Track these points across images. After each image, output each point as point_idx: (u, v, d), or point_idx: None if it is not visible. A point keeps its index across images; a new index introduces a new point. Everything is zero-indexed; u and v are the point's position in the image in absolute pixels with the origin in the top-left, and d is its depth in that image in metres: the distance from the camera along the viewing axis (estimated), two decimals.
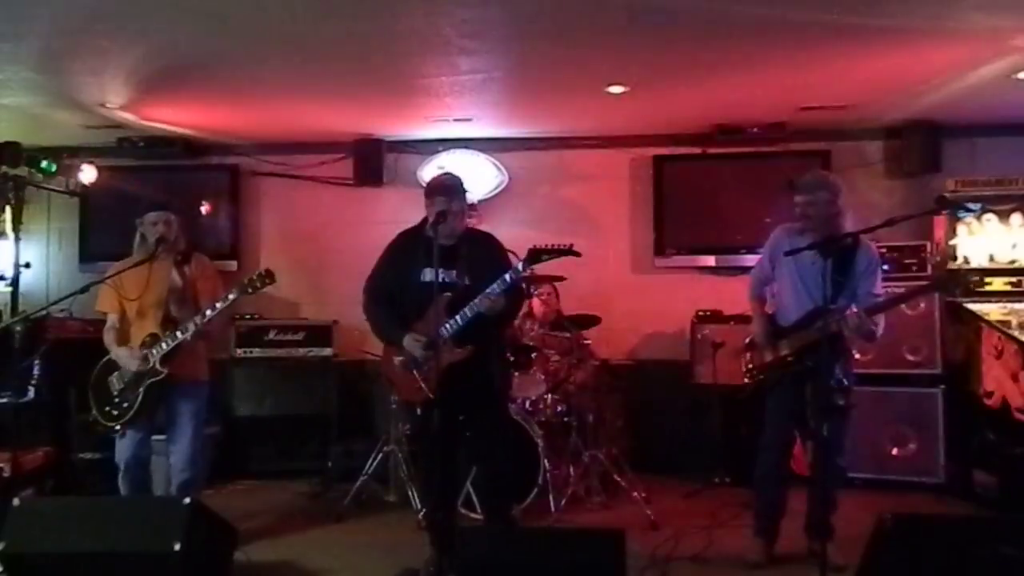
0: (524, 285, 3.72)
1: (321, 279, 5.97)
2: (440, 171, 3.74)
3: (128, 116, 5.17)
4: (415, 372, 3.39)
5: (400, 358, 3.46)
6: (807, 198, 3.48)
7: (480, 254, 3.47)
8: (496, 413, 3.64)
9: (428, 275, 3.36)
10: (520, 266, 3.30)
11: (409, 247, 3.53)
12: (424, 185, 5.71)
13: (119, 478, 3.65)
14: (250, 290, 3.48)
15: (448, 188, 3.43)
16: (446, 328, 3.32)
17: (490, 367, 3.47)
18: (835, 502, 3.58)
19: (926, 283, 3.44)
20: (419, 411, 3.46)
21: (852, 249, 3.44)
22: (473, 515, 4.19)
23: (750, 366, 3.73)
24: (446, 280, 3.38)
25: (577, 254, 3.28)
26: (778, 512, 3.63)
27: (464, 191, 3.51)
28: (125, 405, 3.58)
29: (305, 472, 5.26)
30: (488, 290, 3.26)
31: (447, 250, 3.37)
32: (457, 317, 3.32)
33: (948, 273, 3.36)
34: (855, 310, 3.29)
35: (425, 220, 3.48)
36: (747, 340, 3.80)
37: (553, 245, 3.25)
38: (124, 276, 3.65)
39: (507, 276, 3.27)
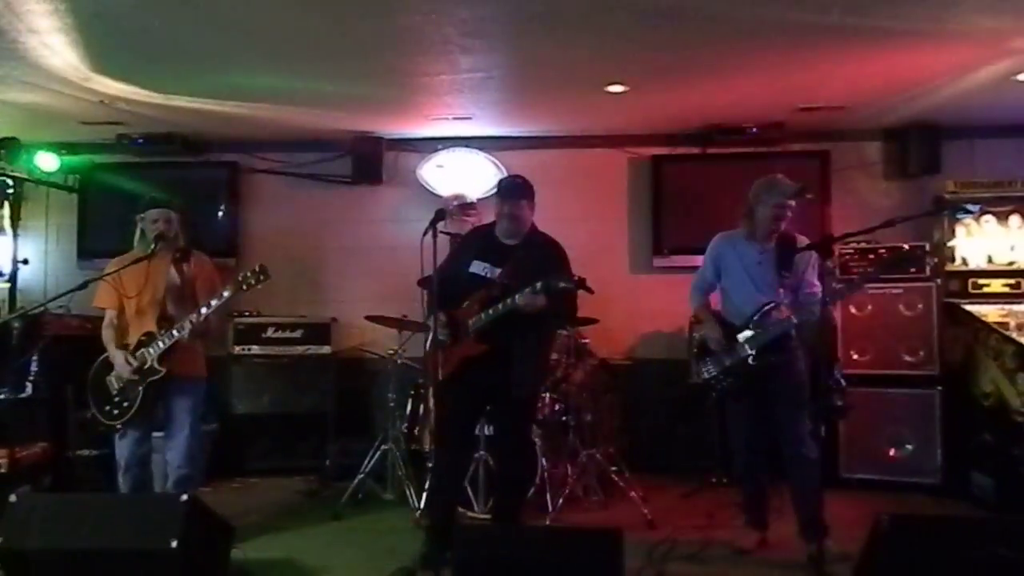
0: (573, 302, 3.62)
1: (320, 277, 5.96)
2: (509, 176, 3.91)
3: (127, 112, 5.16)
4: (439, 352, 3.51)
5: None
6: (791, 202, 3.58)
7: (534, 258, 3.49)
8: (515, 418, 3.63)
9: (475, 267, 3.54)
10: (538, 285, 3.26)
11: (472, 241, 3.67)
12: (424, 182, 5.81)
13: (119, 476, 3.64)
14: (244, 287, 3.46)
15: (506, 191, 3.60)
16: (472, 322, 3.46)
17: (514, 371, 3.44)
18: (818, 495, 3.54)
19: (881, 264, 3.62)
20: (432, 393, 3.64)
21: (792, 246, 3.59)
22: (470, 513, 4.20)
23: (712, 371, 3.72)
24: (489, 276, 3.51)
25: (590, 291, 3.31)
26: (763, 501, 3.77)
27: (529, 195, 3.61)
28: (125, 404, 3.57)
29: (302, 470, 5.26)
30: (527, 289, 3.27)
31: (505, 249, 3.55)
32: (481, 314, 3.44)
33: (895, 256, 3.52)
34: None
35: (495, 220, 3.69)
36: (697, 347, 3.86)
37: (573, 277, 3.29)
38: (123, 273, 3.63)
39: (538, 284, 3.26)
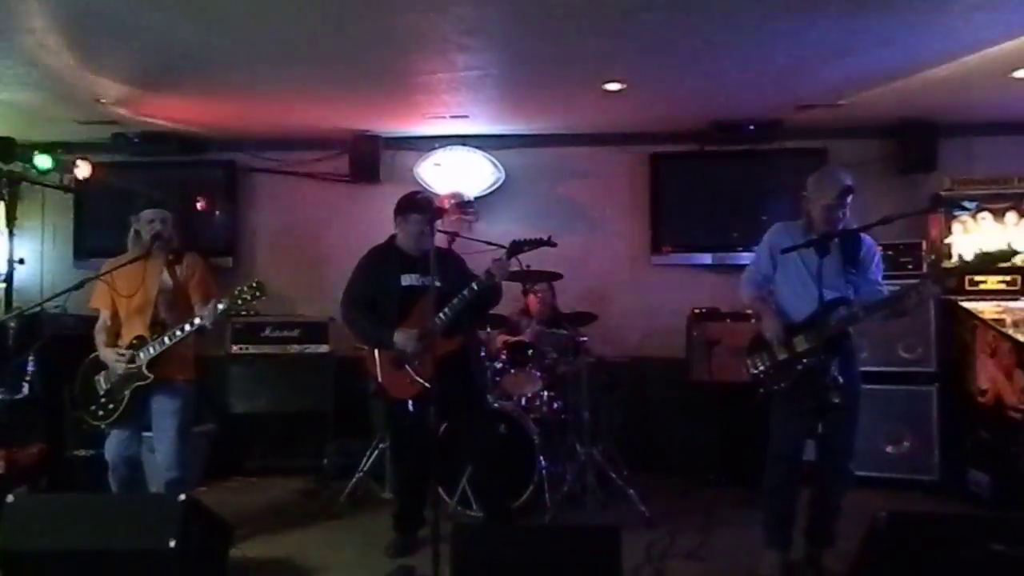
0: (506, 283, 3.94)
1: (317, 276, 5.95)
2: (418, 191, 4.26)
3: (124, 112, 5.16)
4: (407, 367, 3.59)
5: (389, 356, 3.67)
6: (846, 199, 3.32)
7: (448, 264, 3.78)
8: (478, 409, 3.88)
9: (407, 280, 3.70)
10: (503, 256, 3.59)
11: (382, 259, 3.83)
12: (421, 181, 5.80)
13: (109, 475, 3.63)
14: (240, 302, 3.43)
15: (429, 209, 3.73)
16: (438, 321, 3.54)
17: (470, 364, 3.76)
18: (839, 507, 3.47)
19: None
20: (411, 406, 3.61)
21: (856, 240, 3.39)
22: (470, 513, 4.20)
23: (764, 367, 3.46)
24: (426, 284, 3.64)
25: (553, 244, 3.66)
26: (792, 519, 3.49)
27: (435, 212, 3.77)
28: (111, 406, 3.56)
29: (301, 469, 5.25)
30: (476, 281, 3.58)
31: (419, 260, 3.72)
32: (446, 310, 3.56)
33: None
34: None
35: (393, 237, 3.84)
36: (751, 340, 3.58)
37: (531, 238, 3.62)
38: (118, 273, 3.62)
39: (492, 267, 3.60)
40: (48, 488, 4.55)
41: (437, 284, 3.40)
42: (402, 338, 3.57)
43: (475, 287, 3.56)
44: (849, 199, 3.33)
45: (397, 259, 3.77)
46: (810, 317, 3.35)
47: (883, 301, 3.29)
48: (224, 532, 3.26)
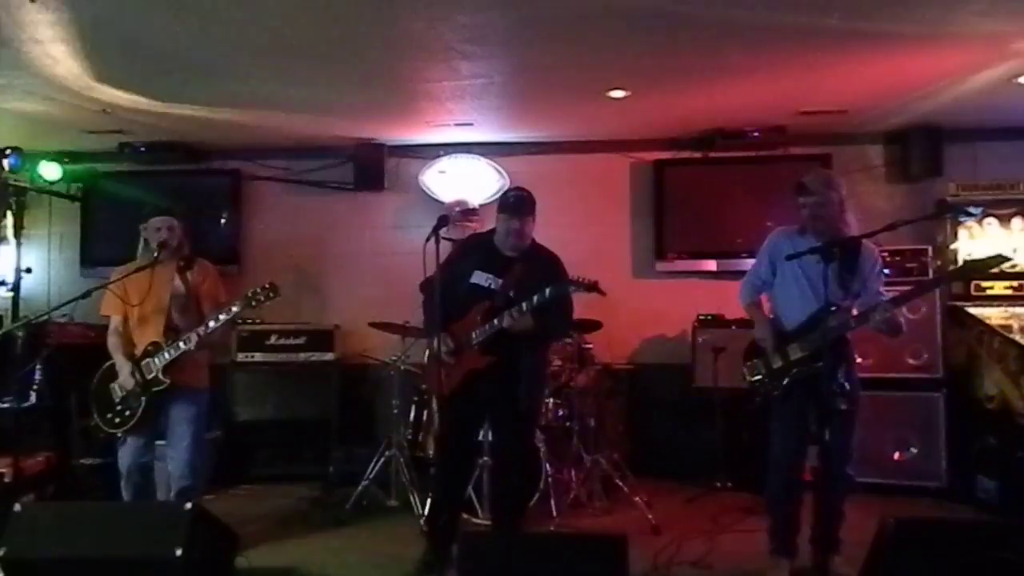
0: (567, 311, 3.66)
1: (322, 283, 5.97)
2: (514, 188, 3.87)
3: (131, 120, 5.17)
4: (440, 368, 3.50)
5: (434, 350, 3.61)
6: (818, 199, 3.36)
7: (535, 271, 3.53)
8: (518, 429, 3.68)
9: (477, 278, 3.54)
10: (547, 292, 3.37)
11: (472, 249, 3.68)
12: (426, 188, 5.83)
13: (121, 484, 3.65)
14: (253, 303, 3.48)
15: (514, 207, 3.57)
16: (475, 334, 3.46)
17: (518, 382, 3.51)
18: (842, 513, 3.46)
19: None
20: (435, 405, 3.66)
21: (856, 249, 3.38)
22: (475, 520, 4.19)
23: (760, 375, 3.49)
24: (492, 286, 3.53)
25: (603, 293, 3.44)
26: (796, 526, 3.48)
27: (534, 210, 3.62)
28: (127, 413, 3.57)
29: (306, 477, 5.25)
30: (513, 309, 3.38)
31: (507, 260, 3.56)
32: (486, 326, 3.46)
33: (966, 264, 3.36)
34: (884, 301, 3.25)
35: (493, 229, 3.67)
36: (747, 348, 3.62)
37: (580, 279, 3.39)
38: (126, 281, 3.63)
39: (534, 298, 3.37)
40: (55, 496, 4.55)
41: (509, 292, 3.34)
42: (436, 346, 3.47)
43: (500, 320, 3.41)
44: (814, 199, 3.34)
45: (483, 253, 3.61)
46: (805, 324, 3.37)
47: (864, 312, 3.29)
48: (230, 540, 3.27)
